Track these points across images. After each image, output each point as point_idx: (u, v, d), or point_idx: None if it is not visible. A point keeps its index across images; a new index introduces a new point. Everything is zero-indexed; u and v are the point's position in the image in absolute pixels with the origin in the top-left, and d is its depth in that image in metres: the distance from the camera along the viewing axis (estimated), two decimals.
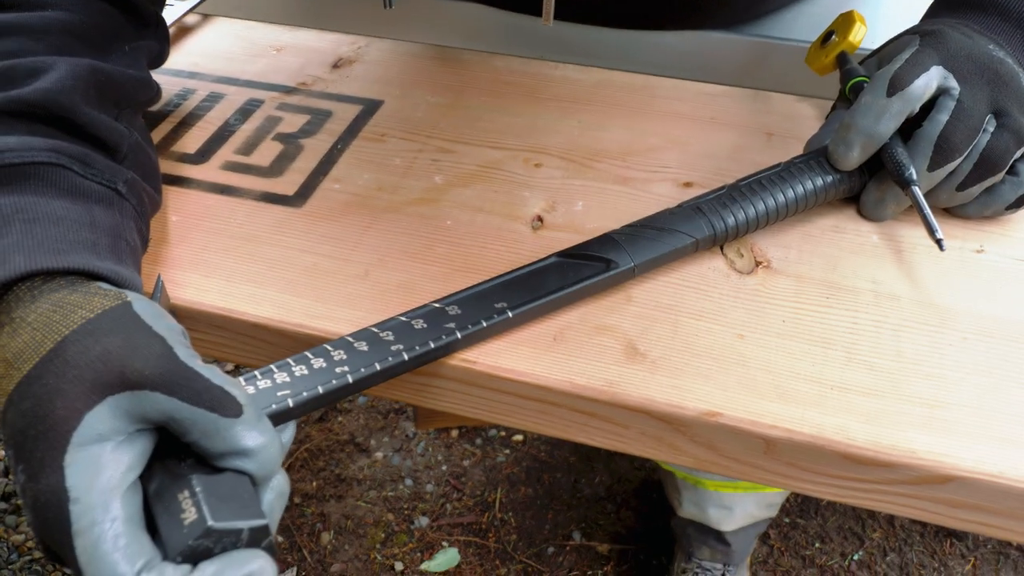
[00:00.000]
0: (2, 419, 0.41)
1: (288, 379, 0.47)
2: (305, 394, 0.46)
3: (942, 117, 0.58)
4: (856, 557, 1.49)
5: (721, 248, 0.61)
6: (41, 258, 0.45)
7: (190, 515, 0.39)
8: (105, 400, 0.40)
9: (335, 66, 0.82)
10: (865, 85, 0.61)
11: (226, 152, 0.71)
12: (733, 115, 0.75)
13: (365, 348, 0.50)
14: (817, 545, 1.50)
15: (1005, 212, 0.63)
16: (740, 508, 1.26)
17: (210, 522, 0.38)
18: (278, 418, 0.46)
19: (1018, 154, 0.59)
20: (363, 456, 1.64)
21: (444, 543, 1.51)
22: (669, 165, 0.69)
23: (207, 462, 0.42)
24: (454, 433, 1.68)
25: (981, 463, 0.47)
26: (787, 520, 1.53)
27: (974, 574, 1.47)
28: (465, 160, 0.69)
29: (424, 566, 1.48)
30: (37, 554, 1.50)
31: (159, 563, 0.38)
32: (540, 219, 0.64)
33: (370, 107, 0.75)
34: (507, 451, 1.64)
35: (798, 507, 1.55)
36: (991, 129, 0.58)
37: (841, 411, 0.50)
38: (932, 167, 0.58)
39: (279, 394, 0.46)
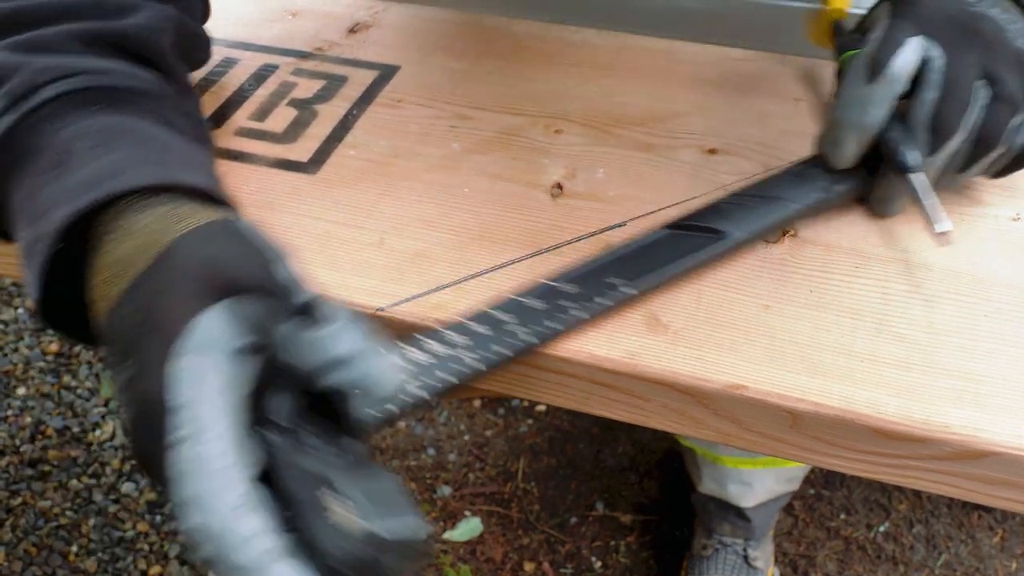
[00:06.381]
0: (108, 320, 0.40)
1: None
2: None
3: (929, 95, 0.53)
4: (882, 529, 1.48)
5: None
6: (151, 173, 0.45)
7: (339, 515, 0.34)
8: (214, 304, 0.37)
9: (351, 31, 0.80)
10: (846, 72, 0.56)
11: (240, 118, 0.69)
12: (759, 80, 0.72)
13: (488, 332, 0.48)
14: (842, 516, 1.49)
15: (989, 178, 0.59)
16: (760, 484, 1.25)
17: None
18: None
19: (1013, 122, 0.54)
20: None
21: (467, 512, 1.51)
22: (693, 131, 0.67)
23: (316, 409, 0.38)
24: (476, 403, 1.67)
25: (1018, 438, 0.46)
26: (812, 492, 1.52)
27: (1002, 546, 1.45)
28: (483, 126, 0.68)
29: (447, 535, 1.48)
30: (64, 520, 1.51)
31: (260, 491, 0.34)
32: (560, 187, 0.62)
33: (387, 72, 0.74)
34: (530, 421, 1.64)
35: (823, 478, 1.54)
36: (982, 101, 0.53)
37: (871, 384, 0.49)
38: (932, 150, 0.54)
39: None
